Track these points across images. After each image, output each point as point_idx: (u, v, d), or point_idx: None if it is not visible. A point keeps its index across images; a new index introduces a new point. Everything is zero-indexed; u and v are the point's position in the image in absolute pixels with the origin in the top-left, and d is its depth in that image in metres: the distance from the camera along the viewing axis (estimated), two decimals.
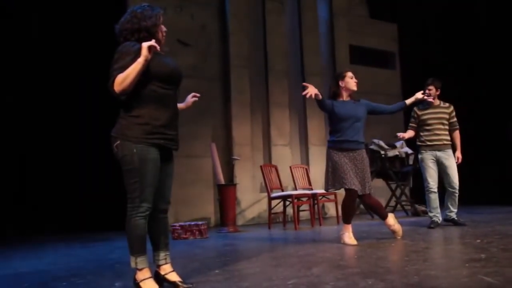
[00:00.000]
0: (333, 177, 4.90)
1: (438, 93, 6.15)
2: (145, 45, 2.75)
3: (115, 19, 3.08)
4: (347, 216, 4.88)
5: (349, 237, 4.82)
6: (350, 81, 4.99)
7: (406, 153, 8.43)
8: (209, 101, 8.55)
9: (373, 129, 10.32)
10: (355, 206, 5.09)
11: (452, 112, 6.16)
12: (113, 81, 2.77)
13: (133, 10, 3.00)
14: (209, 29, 8.82)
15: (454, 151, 6.09)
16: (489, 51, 11.21)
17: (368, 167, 5.06)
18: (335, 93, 5.02)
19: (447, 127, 6.13)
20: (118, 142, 2.85)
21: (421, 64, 11.28)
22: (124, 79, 2.74)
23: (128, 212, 2.86)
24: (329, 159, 4.96)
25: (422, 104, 6.20)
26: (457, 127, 6.17)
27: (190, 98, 3.44)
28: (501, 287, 2.56)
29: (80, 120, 8.35)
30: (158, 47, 2.81)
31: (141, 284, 2.86)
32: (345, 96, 5.02)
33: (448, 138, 6.10)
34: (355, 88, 5.03)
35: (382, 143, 8.30)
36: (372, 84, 10.76)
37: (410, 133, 6.27)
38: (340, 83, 4.99)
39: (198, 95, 3.45)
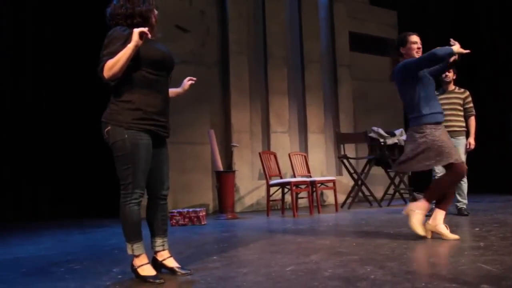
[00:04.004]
0: (437, 153, 3.92)
1: (454, 77, 6.07)
2: (136, 31, 2.71)
3: (104, 3, 3.02)
4: (436, 195, 4.04)
5: (419, 222, 3.96)
6: (413, 48, 4.15)
7: (405, 141, 8.40)
8: (207, 88, 8.51)
9: (373, 117, 10.33)
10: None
11: (467, 97, 6.01)
12: (102, 67, 2.73)
13: None
14: (207, 15, 8.74)
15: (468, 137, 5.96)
16: (490, 39, 11.16)
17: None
18: (398, 62, 4.26)
19: (460, 113, 5.97)
20: (109, 127, 2.82)
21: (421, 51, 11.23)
22: (113, 64, 2.70)
23: (121, 199, 2.84)
24: (430, 135, 3.98)
25: (437, 89, 6.15)
26: (473, 113, 5.99)
27: (187, 81, 3.35)
28: (499, 274, 2.56)
29: (76, 105, 8.29)
30: (149, 35, 2.76)
31: (139, 270, 2.86)
32: None
33: (462, 124, 5.96)
34: (416, 56, 4.15)
35: (381, 131, 8.28)
36: (371, 71, 10.72)
37: None
38: (401, 49, 4.21)
39: (194, 78, 3.38)
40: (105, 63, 2.73)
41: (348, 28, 10.55)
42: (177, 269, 3.00)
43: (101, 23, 3.08)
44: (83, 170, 8.34)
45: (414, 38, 4.16)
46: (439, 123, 4.05)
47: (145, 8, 2.92)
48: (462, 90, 6.08)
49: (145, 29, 2.74)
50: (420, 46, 4.16)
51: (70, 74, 8.30)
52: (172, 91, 3.22)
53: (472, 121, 5.99)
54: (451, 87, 6.09)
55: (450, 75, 6.03)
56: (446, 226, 3.98)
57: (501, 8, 10.90)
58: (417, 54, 4.11)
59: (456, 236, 3.86)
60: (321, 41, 10.11)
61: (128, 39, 2.75)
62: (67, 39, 8.36)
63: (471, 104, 6.03)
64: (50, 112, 8.41)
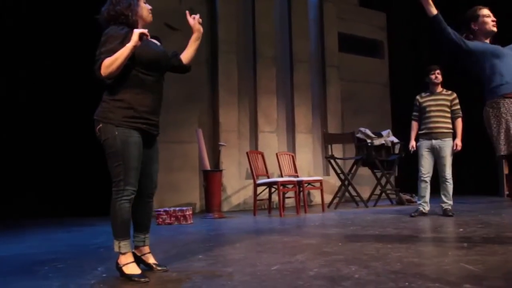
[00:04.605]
0: (508, 136, 3.57)
1: (441, 80, 6.14)
2: (136, 31, 2.74)
3: (97, 1, 3.05)
4: None
5: None
6: (487, 21, 3.75)
7: (392, 142, 8.46)
8: (196, 86, 8.48)
9: (361, 117, 10.37)
10: None
11: (454, 99, 6.07)
12: (100, 65, 2.75)
13: None
14: (197, 12, 8.69)
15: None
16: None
17: None
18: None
19: (448, 114, 6.04)
20: (100, 125, 2.86)
21: (409, 53, 11.31)
22: (111, 63, 2.72)
23: (113, 196, 2.87)
24: (500, 114, 3.60)
25: (424, 91, 6.22)
26: (459, 114, 6.05)
27: (192, 20, 3.27)
28: (481, 274, 2.59)
29: (64, 103, 8.22)
30: (148, 36, 2.79)
31: (124, 268, 2.86)
32: (484, 41, 3.81)
33: (448, 126, 6.02)
34: (494, 29, 3.75)
35: (368, 132, 8.32)
36: (360, 72, 10.77)
37: (415, 131, 6.26)
38: (473, 25, 3.80)
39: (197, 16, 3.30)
40: (102, 61, 2.75)
41: (337, 29, 10.58)
42: (154, 266, 3.06)
43: (93, 21, 3.09)
44: (71, 168, 8.26)
45: (486, 11, 3.78)
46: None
47: (124, 6, 2.94)
48: (449, 92, 6.14)
49: (145, 30, 2.76)
50: (494, 19, 3.75)
51: (60, 71, 8.22)
52: (189, 49, 3.27)
53: (459, 122, 6.05)
54: (439, 88, 6.15)
55: (439, 76, 6.10)
56: None
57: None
58: (493, 27, 3.73)
59: None
60: (310, 41, 10.14)
61: (125, 38, 2.79)
62: (56, 37, 8.27)
63: (458, 106, 6.09)
64: (37, 110, 8.32)
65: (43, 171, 8.25)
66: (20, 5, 8.36)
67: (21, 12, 8.39)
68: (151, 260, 3.09)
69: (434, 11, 3.73)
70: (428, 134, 6.05)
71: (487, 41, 3.78)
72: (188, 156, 8.29)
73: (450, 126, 6.05)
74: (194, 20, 3.25)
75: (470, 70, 3.83)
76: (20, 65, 8.30)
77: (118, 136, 2.81)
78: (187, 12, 3.31)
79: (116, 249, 2.87)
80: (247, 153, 7.52)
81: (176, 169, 8.04)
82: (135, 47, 2.74)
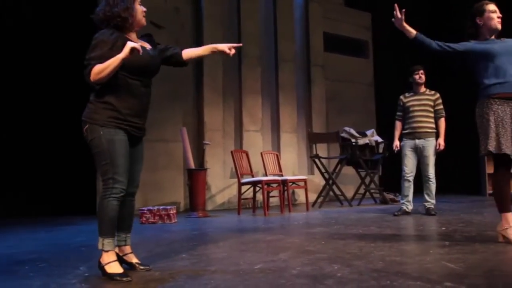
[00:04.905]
0: (496, 136, 3.55)
1: (425, 80, 6.20)
2: (129, 45, 2.77)
3: (87, 3, 3.06)
4: (503, 200, 3.60)
5: None
6: (492, 17, 3.69)
7: (376, 141, 8.52)
8: (181, 85, 8.45)
9: (345, 117, 10.42)
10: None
11: (437, 99, 6.14)
12: (90, 70, 2.79)
13: None
14: (182, 12, 8.68)
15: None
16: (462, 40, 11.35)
17: None
18: (471, 36, 3.81)
19: (431, 114, 6.10)
20: (87, 126, 2.91)
21: (393, 53, 11.38)
22: (101, 71, 2.77)
23: (102, 193, 2.90)
24: (489, 112, 3.60)
25: (408, 91, 6.27)
26: (443, 114, 6.12)
27: (227, 49, 3.23)
28: (462, 273, 2.61)
29: (47, 103, 8.14)
30: (140, 51, 2.81)
31: (106, 267, 2.84)
32: (487, 37, 3.76)
33: (432, 126, 6.09)
34: (499, 26, 3.70)
35: (353, 131, 8.36)
36: (345, 72, 10.82)
37: (399, 130, 6.31)
38: (478, 20, 3.74)
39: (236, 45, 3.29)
40: (93, 67, 2.78)
41: (323, 28, 10.62)
42: (136, 265, 3.06)
43: (83, 23, 3.11)
44: (55, 168, 8.18)
45: (493, 6, 3.72)
46: None
47: (121, 8, 2.94)
48: (432, 92, 6.20)
49: (138, 45, 2.78)
50: (500, 15, 3.71)
51: (47, 71, 8.12)
52: (196, 51, 3.26)
53: (442, 122, 6.11)
54: (422, 89, 6.21)
55: (423, 77, 6.16)
56: None
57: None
58: (498, 24, 3.68)
59: None
60: (296, 41, 10.15)
61: (115, 44, 2.83)
62: (44, 37, 8.17)
63: (441, 106, 6.15)
64: (21, 110, 8.21)
65: (26, 170, 8.15)
66: (6, 6, 8.25)
67: (11, 13, 8.28)
68: (133, 259, 3.09)
69: (412, 33, 3.85)
70: (411, 134, 6.10)
71: (492, 37, 3.74)
72: (172, 155, 8.26)
73: (434, 126, 6.11)
74: (230, 51, 3.24)
75: (465, 70, 3.86)
76: (5, 66, 8.19)
77: (103, 135, 2.85)
78: (234, 45, 3.27)
79: (99, 246, 2.87)
80: (231, 152, 7.51)
81: (160, 168, 8.01)
82: (125, 59, 2.78)
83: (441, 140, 6.04)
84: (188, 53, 3.26)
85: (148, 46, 3.11)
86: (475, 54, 3.70)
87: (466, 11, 3.91)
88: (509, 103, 3.57)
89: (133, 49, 2.77)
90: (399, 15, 3.88)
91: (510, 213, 3.56)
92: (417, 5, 11.83)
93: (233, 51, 3.25)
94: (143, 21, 3.08)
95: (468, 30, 3.82)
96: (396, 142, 6.32)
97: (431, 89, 6.25)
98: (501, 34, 3.79)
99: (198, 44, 8.75)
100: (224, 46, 3.24)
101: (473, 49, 3.71)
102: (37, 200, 8.11)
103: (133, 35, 3.04)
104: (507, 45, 3.67)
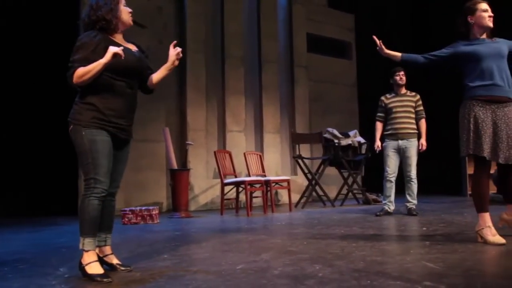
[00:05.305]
0: (476, 138, 3.59)
1: (405, 81, 6.26)
2: (111, 50, 2.79)
3: (72, 4, 3.07)
4: (482, 200, 3.65)
5: (492, 234, 3.57)
6: (484, 16, 3.71)
7: (359, 142, 8.57)
8: (163, 85, 8.30)
9: (329, 118, 10.47)
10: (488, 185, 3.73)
11: (418, 100, 6.23)
12: (73, 73, 2.83)
13: (90, 3, 3.04)
14: (165, 11, 8.63)
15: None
16: (447, 43, 11.47)
17: None
18: (462, 35, 3.83)
19: (412, 115, 6.19)
20: (71, 126, 2.94)
21: (376, 55, 11.45)
22: (83, 74, 2.81)
23: (83, 193, 2.90)
24: (471, 114, 3.64)
25: (389, 92, 6.33)
26: (423, 115, 6.22)
27: (174, 53, 3.20)
28: (441, 272, 2.64)
29: (31, 104, 8.06)
30: (123, 56, 2.83)
31: (87, 268, 2.83)
32: (478, 36, 3.79)
33: (414, 127, 6.17)
34: (490, 25, 3.73)
35: (336, 132, 8.40)
36: (328, 73, 10.87)
37: (380, 131, 6.35)
38: (469, 19, 3.76)
39: (179, 49, 3.23)
40: (75, 69, 2.82)
41: (306, 29, 10.65)
42: (117, 266, 3.05)
43: (69, 25, 3.12)
44: (38, 168, 8.10)
45: (484, 5, 3.74)
46: None
47: (105, 11, 2.97)
48: (413, 93, 6.28)
49: (119, 50, 2.80)
50: (491, 14, 3.72)
51: (34, 73, 8.03)
52: (158, 74, 3.24)
53: (423, 123, 6.21)
54: (403, 90, 6.28)
55: (404, 78, 6.22)
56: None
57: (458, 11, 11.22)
58: (489, 22, 3.71)
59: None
60: (279, 42, 10.17)
61: (98, 46, 2.86)
62: (31, 39, 8.07)
63: (422, 107, 6.25)
64: (8, 111, 8.12)
65: (7, 171, 8.05)
66: None
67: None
68: (114, 260, 3.08)
69: (398, 57, 4.02)
70: (394, 135, 6.16)
71: (483, 36, 3.77)
72: (155, 155, 8.21)
73: (415, 127, 6.19)
74: (174, 51, 3.20)
75: (454, 72, 3.91)
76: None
77: (85, 136, 2.87)
78: (174, 42, 3.25)
79: (80, 246, 2.86)
80: (214, 152, 7.49)
81: (143, 168, 7.96)
82: (107, 64, 2.80)
83: (423, 141, 6.14)
84: (154, 78, 3.24)
85: (134, 48, 3.11)
86: (461, 56, 3.76)
87: (445, 21, 3.97)
88: (491, 106, 3.62)
89: (115, 54, 2.79)
90: (379, 45, 4.13)
91: (488, 213, 3.62)
92: (399, 15, 11.98)
93: (178, 56, 3.19)
94: (130, 21, 3.11)
95: (459, 28, 3.84)
96: (378, 143, 6.38)
97: (411, 90, 6.33)
98: (493, 34, 3.83)
99: (181, 43, 8.73)
100: (170, 60, 3.20)
101: (459, 52, 3.78)
102: (20, 201, 8.02)
103: (118, 36, 3.06)
104: (496, 47, 3.70)
